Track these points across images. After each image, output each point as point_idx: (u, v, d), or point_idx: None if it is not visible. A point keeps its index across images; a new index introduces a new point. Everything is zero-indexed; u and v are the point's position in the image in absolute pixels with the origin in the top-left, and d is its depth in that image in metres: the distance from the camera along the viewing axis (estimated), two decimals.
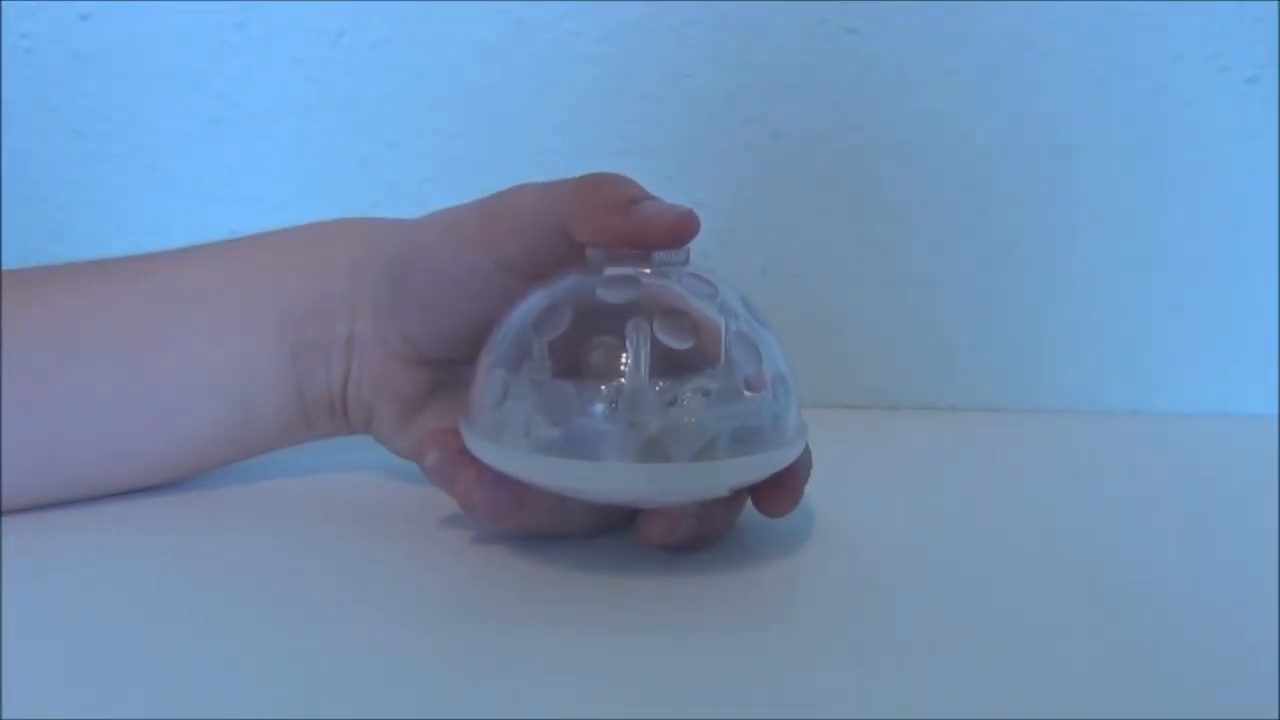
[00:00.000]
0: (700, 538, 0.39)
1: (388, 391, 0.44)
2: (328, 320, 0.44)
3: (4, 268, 0.44)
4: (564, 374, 0.37)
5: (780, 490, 0.39)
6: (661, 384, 0.37)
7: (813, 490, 0.45)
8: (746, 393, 0.38)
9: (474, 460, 0.38)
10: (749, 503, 0.40)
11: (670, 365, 0.37)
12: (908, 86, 0.59)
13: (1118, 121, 0.59)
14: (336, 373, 0.44)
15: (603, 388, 0.36)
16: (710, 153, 0.60)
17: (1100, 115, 0.59)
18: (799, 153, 0.60)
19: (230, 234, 0.46)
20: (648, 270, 0.37)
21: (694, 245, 0.38)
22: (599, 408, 0.36)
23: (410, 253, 0.42)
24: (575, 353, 0.37)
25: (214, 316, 0.43)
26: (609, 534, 0.41)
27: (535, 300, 0.38)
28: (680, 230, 0.37)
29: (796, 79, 0.59)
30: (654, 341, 0.36)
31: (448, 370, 0.44)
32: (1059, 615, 0.36)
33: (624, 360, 0.36)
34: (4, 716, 0.30)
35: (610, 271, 0.37)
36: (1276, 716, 0.31)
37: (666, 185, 0.40)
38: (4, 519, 0.41)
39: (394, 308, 0.43)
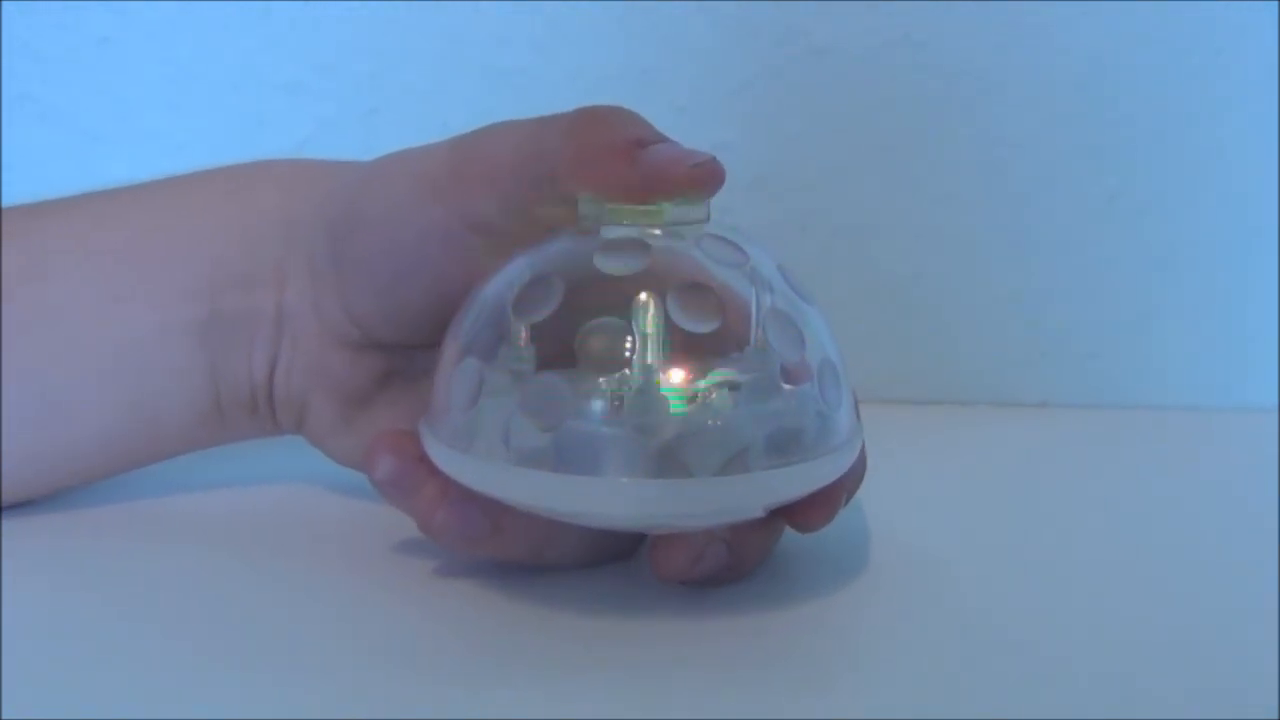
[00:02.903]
0: (730, 569, 0.39)
1: (326, 382, 0.44)
2: (250, 289, 0.44)
3: None
4: (553, 364, 0.37)
5: (813, 500, 0.39)
6: (678, 376, 0.37)
7: (869, 506, 0.45)
8: (786, 386, 0.38)
9: (437, 470, 0.38)
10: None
11: (689, 352, 0.37)
12: None
13: (1264, 33, 0.59)
14: (260, 357, 0.44)
15: (603, 382, 0.36)
16: (733, 77, 0.60)
17: (1244, 25, 0.59)
18: (847, 76, 0.60)
19: (122, 182, 0.46)
20: (658, 231, 0.37)
21: (714, 198, 0.38)
22: (598, 407, 0.36)
23: (358, 206, 0.42)
24: (568, 337, 0.37)
25: (107, 285, 0.44)
26: (609, 564, 0.41)
27: (516, 270, 0.38)
28: (701, 181, 0.37)
29: None
30: (668, 322, 0.36)
31: (402, 357, 0.44)
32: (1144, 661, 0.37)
33: (630, 346, 0.36)
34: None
35: (611, 233, 0.37)
36: (1276, 717, 0.34)
37: (676, 120, 0.40)
38: None
39: (336, 275, 0.43)
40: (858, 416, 0.40)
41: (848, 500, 0.40)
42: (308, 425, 0.45)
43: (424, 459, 0.38)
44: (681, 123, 0.40)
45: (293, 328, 0.44)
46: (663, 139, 0.38)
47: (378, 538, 0.43)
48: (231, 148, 0.48)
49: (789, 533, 0.41)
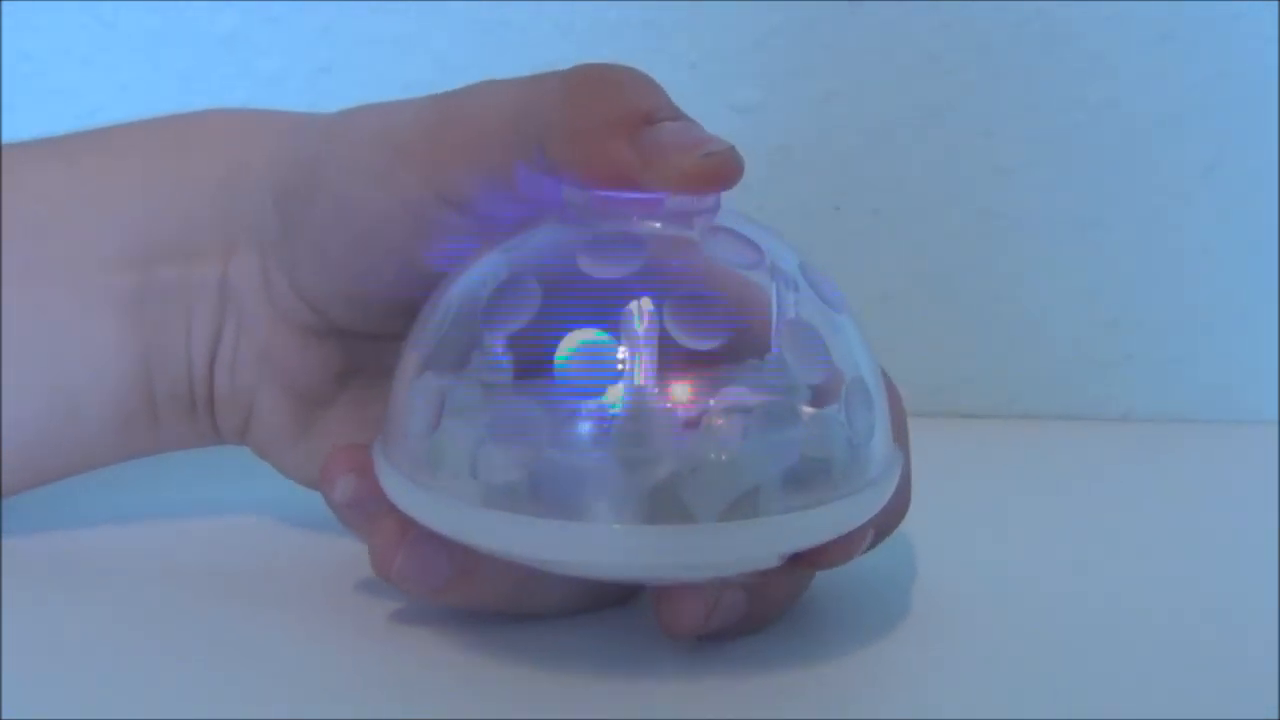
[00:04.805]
0: (750, 618, 0.40)
1: (276, 374, 0.44)
2: (189, 259, 0.44)
3: None
4: (529, 386, 0.37)
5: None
6: (677, 399, 0.37)
7: (917, 540, 0.45)
8: (807, 410, 0.38)
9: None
10: None
11: (690, 370, 0.37)
12: None
13: None
14: (200, 339, 0.45)
15: (588, 405, 0.37)
16: (753, 30, 0.60)
17: None
18: (888, 26, 0.60)
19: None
20: (657, 224, 0.38)
21: None
22: (581, 436, 0.36)
23: (314, 166, 0.42)
24: (546, 351, 0.37)
25: (16, 256, 0.44)
26: (600, 610, 0.42)
27: (487, 269, 0.38)
28: (711, 177, 0.37)
29: None
30: (666, 335, 0.36)
31: (367, 350, 0.44)
32: None
33: (621, 362, 0.37)
34: None
35: (601, 226, 0.38)
36: (1276, 716, 0.36)
37: (688, 80, 0.40)
38: None
39: (286, 246, 0.43)
40: (900, 439, 0.40)
41: (877, 540, 0.40)
42: (254, 429, 0.45)
43: None
44: (692, 83, 0.40)
45: (238, 306, 0.44)
46: (676, 115, 0.38)
47: (337, 575, 0.43)
48: (157, 110, 0.48)
49: (819, 573, 0.41)
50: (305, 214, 0.42)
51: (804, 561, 0.39)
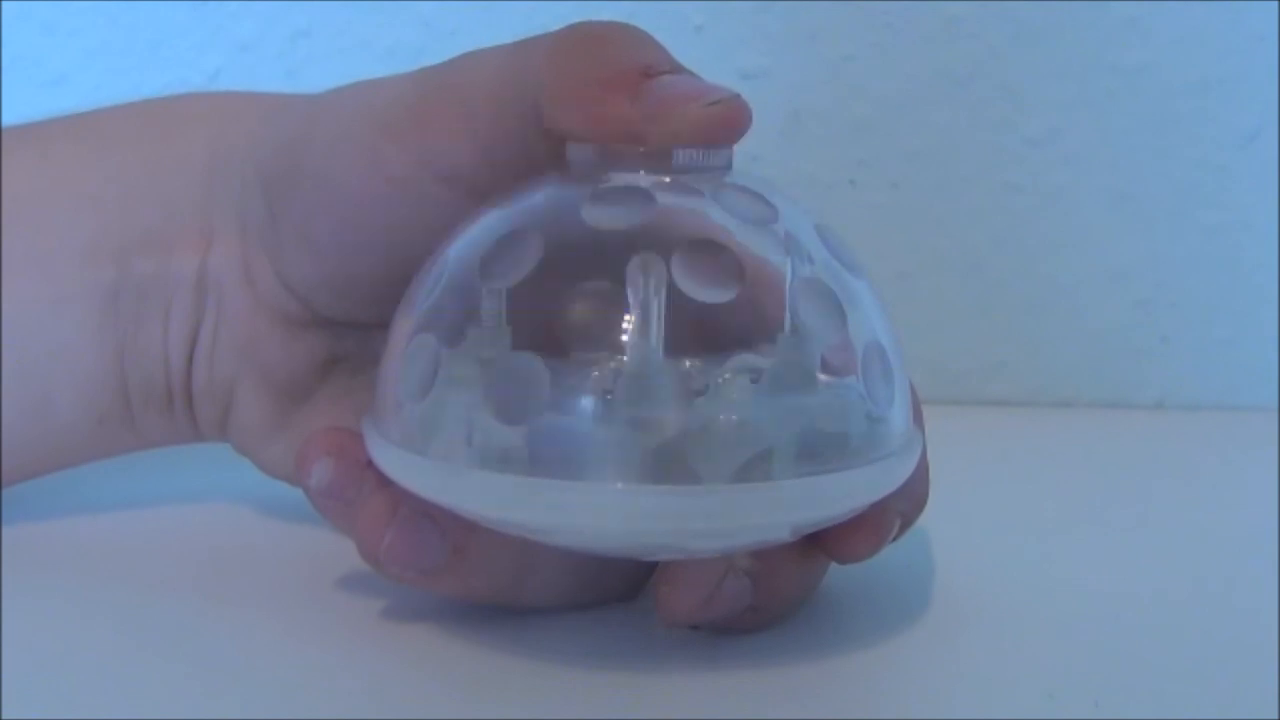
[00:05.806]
0: (755, 610, 0.40)
1: (257, 367, 0.45)
2: (167, 251, 0.45)
3: None
4: (530, 345, 0.37)
5: (856, 522, 0.39)
6: (686, 361, 0.38)
7: (935, 534, 0.46)
8: (823, 377, 0.38)
9: (385, 481, 0.39)
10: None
11: (699, 329, 0.37)
12: None
13: None
14: (178, 333, 0.45)
15: (591, 368, 0.37)
16: None
17: None
18: None
19: None
20: (666, 179, 0.38)
21: (739, 143, 0.39)
22: (585, 399, 0.36)
23: (299, 148, 0.43)
24: (548, 310, 0.38)
25: None
26: (602, 605, 0.42)
27: (486, 226, 0.38)
28: (718, 125, 0.37)
29: None
30: (672, 290, 0.37)
31: (351, 339, 0.45)
32: None
33: (626, 322, 0.37)
34: None
35: (606, 182, 0.38)
36: (1277, 716, 0.36)
37: (692, 44, 0.41)
38: None
39: (271, 235, 0.44)
40: (918, 420, 0.41)
41: (902, 529, 0.40)
42: (233, 423, 0.46)
43: (371, 465, 0.39)
44: (698, 46, 0.41)
45: (218, 298, 0.45)
46: (676, 68, 0.39)
47: (312, 571, 0.44)
48: (123, 81, 0.48)
49: (831, 568, 0.41)
50: (291, 197, 0.43)
51: (830, 551, 0.40)
